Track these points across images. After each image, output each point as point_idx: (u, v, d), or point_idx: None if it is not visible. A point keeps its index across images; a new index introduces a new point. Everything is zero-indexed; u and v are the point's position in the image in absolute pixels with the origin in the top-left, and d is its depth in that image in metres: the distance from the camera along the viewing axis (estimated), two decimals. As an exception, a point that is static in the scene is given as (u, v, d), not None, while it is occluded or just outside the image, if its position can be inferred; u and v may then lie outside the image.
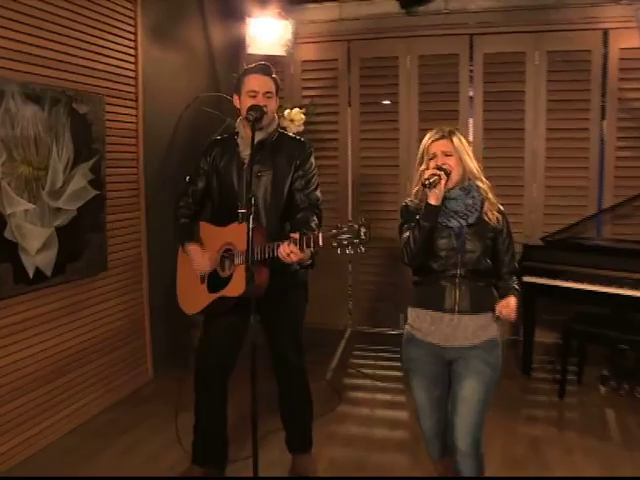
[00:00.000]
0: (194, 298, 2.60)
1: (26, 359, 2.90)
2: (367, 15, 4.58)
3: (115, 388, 3.53)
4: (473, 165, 2.21)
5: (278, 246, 2.24)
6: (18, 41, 2.75)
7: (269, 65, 2.56)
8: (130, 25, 3.54)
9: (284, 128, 4.09)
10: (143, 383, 3.80)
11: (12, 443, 2.81)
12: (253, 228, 2.35)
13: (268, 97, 2.51)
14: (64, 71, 3.04)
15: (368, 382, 3.95)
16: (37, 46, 2.86)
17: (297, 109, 4.06)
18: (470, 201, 2.18)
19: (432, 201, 2.09)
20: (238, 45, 4.50)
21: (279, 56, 4.46)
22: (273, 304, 2.56)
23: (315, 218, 2.49)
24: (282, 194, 2.55)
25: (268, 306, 2.54)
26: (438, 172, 2.09)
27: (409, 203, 2.28)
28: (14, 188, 2.74)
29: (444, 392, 2.26)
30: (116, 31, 3.43)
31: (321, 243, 2.10)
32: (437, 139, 2.18)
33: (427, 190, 2.09)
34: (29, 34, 2.81)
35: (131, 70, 3.57)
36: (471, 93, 4.45)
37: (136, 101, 3.63)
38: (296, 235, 2.18)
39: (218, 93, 4.26)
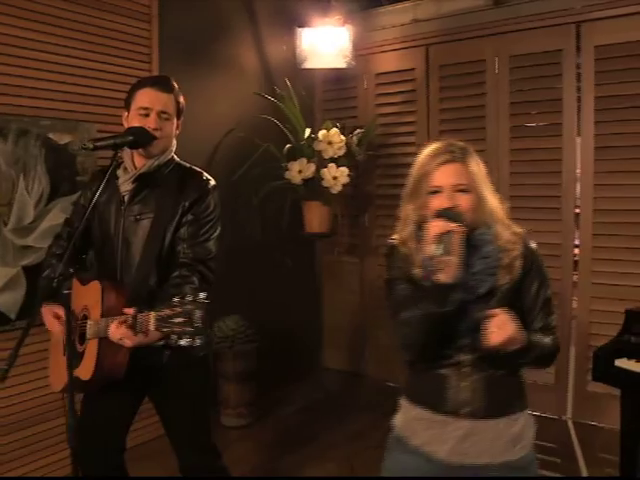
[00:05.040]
0: (58, 372, 2.01)
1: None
2: (448, 12, 3.75)
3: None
4: (495, 202, 1.55)
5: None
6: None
7: (169, 79, 1.98)
8: (142, 45, 3.24)
9: (319, 152, 3.50)
10: (151, 437, 3.38)
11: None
12: (109, 289, 1.85)
13: (165, 119, 1.93)
14: (39, 99, 2.80)
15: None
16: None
17: (335, 129, 3.41)
18: (479, 266, 1.49)
19: (446, 278, 1.40)
20: (289, 60, 3.96)
21: (341, 69, 3.89)
22: (162, 390, 2.00)
23: (194, 280, 1.83)
24: (161, 243, 1.90)
25: (157, 392, 2.01)
26: (448, 227, 1.40)
27: (398, 245, 1.59)
28: (-39, 225, 2.57)
29: None
30: (117, 52, 3.11)
31: (152, 327, 1.52)
32: (445, 162, 1.49)
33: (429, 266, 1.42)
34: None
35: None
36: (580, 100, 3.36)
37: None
38: (130, 311, 1.61)
39: (264, 115, 3.77)
